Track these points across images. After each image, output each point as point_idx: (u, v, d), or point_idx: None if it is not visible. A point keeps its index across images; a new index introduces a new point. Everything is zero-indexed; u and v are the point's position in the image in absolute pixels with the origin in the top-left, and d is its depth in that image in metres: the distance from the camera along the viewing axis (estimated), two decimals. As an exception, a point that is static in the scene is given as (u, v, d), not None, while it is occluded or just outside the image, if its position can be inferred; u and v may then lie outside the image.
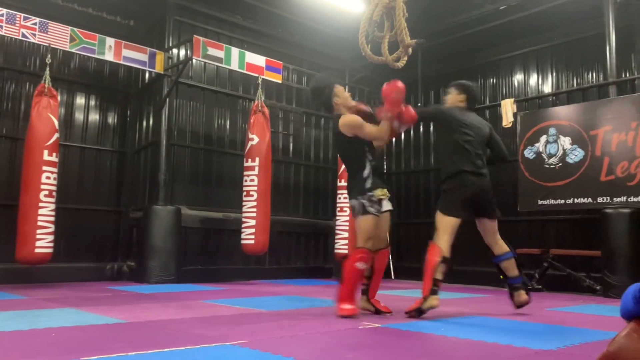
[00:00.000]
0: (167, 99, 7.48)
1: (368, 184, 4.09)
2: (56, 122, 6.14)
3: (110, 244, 7.88)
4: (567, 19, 7.86)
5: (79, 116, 7.80)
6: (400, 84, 4.13)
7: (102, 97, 8.04)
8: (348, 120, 4.18)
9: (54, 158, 6.06)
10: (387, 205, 4.22)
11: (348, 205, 4.24)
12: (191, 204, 7.81)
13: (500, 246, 4.46)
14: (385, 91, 4.12)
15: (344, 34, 8.65)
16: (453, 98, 4.63)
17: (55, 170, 6.08)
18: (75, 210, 7.56)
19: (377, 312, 4.21)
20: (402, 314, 4.13)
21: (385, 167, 10.18)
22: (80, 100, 7.83)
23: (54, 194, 6.05)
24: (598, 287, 6.64)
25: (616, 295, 5.98)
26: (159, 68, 7.34)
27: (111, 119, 8.15)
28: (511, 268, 4.43)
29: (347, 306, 3.94)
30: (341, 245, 8.43)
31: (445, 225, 4.23)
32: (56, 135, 6.12)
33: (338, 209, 8.60)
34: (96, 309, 4.19)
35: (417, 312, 4.02)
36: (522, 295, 4.42)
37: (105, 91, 8.06)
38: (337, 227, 8.54)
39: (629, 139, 6.56)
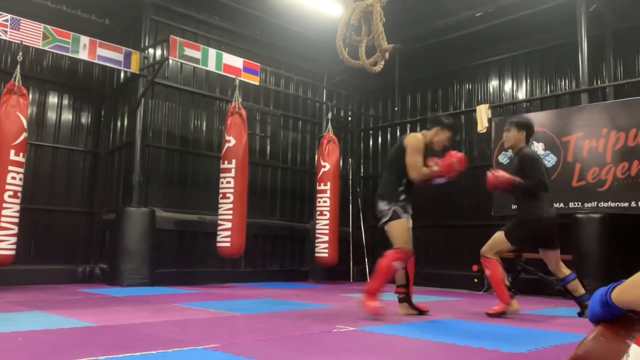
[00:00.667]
0: (143, 99, 7.38)
1: (402, 197, 4.43)
2: (25, 122, 6.02)
3: (82, 245, 7.74)
4: (541, 27, 8.01)
5: (51, 116, 7.65)
6: (464, 162, 4.50)
7: (75, 97, 7.90)
8: (415, 140, 4.51)
9: (20, 158, 5.94)
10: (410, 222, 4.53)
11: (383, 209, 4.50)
12: (166, 205, 7.72)
13: (562, 271, 4.67)
14: (453, 156, 4.47)
15: (323, 37, 8.68)
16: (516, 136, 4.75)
17: (21, 170, 5.95)
18: (47, 211, 7.40)
19: (421, 313, 4.53)
20: (381, 318, 4.14)
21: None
22: (52, 100, 7.68)
23: (19, 194, 5.93)
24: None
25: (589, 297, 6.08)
26: (134, 68, 7.24)
27: (85, 118, 8.02)
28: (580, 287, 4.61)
29: (375, 303, 4.17)
30: (322, 249, 8.42)
31: None
32: (24, 135, 5.99)
33: (318, 212, 8.59)
34: (66, 312, 4.10)
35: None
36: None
37: (79, 90, 7.93)
38: (318, 231, 8.51)
39: (600, 146, 6.70)
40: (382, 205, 4.47)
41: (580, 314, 4.57)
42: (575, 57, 7.26)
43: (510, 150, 7.51)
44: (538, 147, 7.28)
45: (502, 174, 4.57)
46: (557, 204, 7.01)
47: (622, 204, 6.45)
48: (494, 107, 8.33)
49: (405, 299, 4.57)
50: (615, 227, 6.49)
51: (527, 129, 4.74)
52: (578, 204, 6.79)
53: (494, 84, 8.86)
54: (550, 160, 7.14)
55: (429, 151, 4.62)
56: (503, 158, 7.62)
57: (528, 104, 8.28)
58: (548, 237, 4.61)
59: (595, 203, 6.64)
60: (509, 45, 8.58)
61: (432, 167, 4.48)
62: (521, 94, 8.50)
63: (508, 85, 8.68)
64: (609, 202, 6.55)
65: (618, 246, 6.48)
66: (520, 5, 7.61)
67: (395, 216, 4.39)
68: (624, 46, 7.52)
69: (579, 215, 6.64)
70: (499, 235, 4.62)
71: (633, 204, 6.37)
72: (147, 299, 5.39)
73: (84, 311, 4.20)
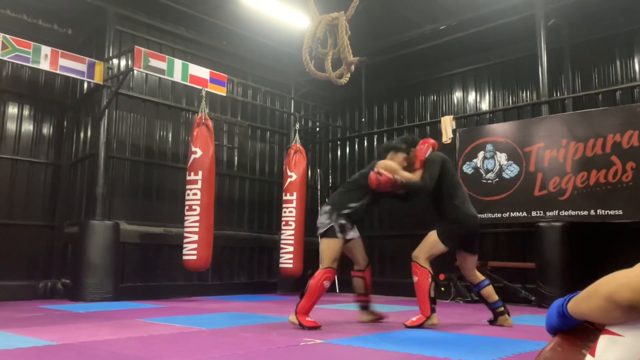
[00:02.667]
0: (107, 110, 7.25)
1: (345, 214, 4.51)
2: (-16, 133, 5.83)
3: (43, 260, 7.52)
4: (503, 41, 8.22)
5: (10, 127, 7.43)
6: (386, 184, 4.46)
7: (36, 108, 7.71)
8: (385, 163, 4.66)
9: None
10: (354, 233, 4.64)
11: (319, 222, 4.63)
12: (130, 218, 7.57)
13: (478, 276, 4.75)
14: (375, 175, 4.46)
15: (289, 49, 8.70)
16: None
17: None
18: (5, 225, 7.17)
19: (380, 318, 4.82)
20: (348, 329, 4.14)
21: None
22: (12, 110, 7.47)
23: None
24: (533, 298, 6.89)
25: (549, 306, 6.21)
26: (98, 78, 7.11)
27: (46, 130, 7.82)
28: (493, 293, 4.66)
29: (309, 319, 4.28)
30: (286, 260, 8.37)
31: None
32: (-16, 147, 5.80)
33: (283, 222, 8.54)
34: (25, 330, 3.97)
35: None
36: (507, 320, 4.60)
37: (40, 101, 7.74)
38: (283, 242, 8.46)
39: (560, 156, 6.89)
40: (323, 219, 4.53)
41: (492, 322, 4.67)
42: (535, 69, 7.47)
43: (474, 160, 7.71)
44: (501, 157, 7.44)
45: (384, 172, 4.53)
46: (520, 212, 7.18)
47: (582, 212, 6.63)
48: (458, 118, 8.47)
49: (366, 306, 4.82)
50: (576, 235, 6.67)
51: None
52: (540, 213, 6.96)
53: (458, 95, 9.04)
54: (512, 170, 7.30)
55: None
56: (467, 168, 7.75)
57: (491, 115, 8.47)
58: (474, 240, 4.71)
59: (557, 212, 6.81)
60: (472, 58, 8.78)
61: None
62: (484, 105, 8.69)
63: (472, 97, 8.87)
64: (570, 211, 6.73)
65: (579, 253, 6.65)
66: (482, 19, 7.80)
67: (331, 234, 4.43)
68: (582, 59, 7.78)
69: (541, 224, 6.80)
70: (433, 237, 4.62)
71: (592, 212, 6.56)
72: (111, 314, 5.26)
73: (44, 329, 4.07)
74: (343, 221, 4.47)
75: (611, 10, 7.33)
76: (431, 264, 4.58)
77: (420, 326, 4.39)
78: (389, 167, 4.60)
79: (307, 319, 4.26)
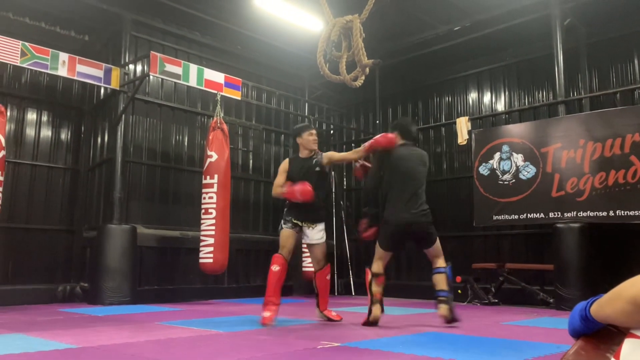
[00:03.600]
0: (123, 116, 7.32)
1: (285, 210, 5.09)
2: (3, 140, 5.93)
3: (62, 264, 7.62)
4: (518, 40, 8.16)
5: (30, 133, 7.55)
6: (306, 194, 4.80)
7: (54, 113, 7.82)
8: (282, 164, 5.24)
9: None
10: (316, 236, 5.00)
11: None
12: (147, 222, 7.64)
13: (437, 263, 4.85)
14: (296, 186, 4.86)
15: (303, 52, 8.73)
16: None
17: (0, 189, 5.85)
18: (25, 230, 7.29)
19: (329, 320, 5.02)
20: (366, 332, 4.13)
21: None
22: (31, 116, 7.59)
23: None
24: (551, 300, 6.81)
25: (568, 308, 6.15)
26: (114, 84, 7.20)
27: (64, 135, 7.93)
28: (440, 282, 4.72)
29: (265, 313, 4.80)
30: (309, 264, 8.36)
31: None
32: (2, 153, 5.90)
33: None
34: (46, 333, 4.02)
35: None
36: (443, 309, 4.63)
37: (58, 107, 7.85)
38: (304, 246, 8.46)
39: (577, 156, 6.81)
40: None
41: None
42: (551, 69, 7.40)
43: (490, 162, 7.66)
44: (518, 159, 7.38)
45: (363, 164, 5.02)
46: (537, 214, 7.11)
47: (600, 213, 6.55)
48: (474, 119, 8.43)
49: (317, 304, 5.15)
50: (594, 236, 6.59)
51: (399, 128, 4.99)
52: (558, 214, 6.88)
53: (473, 96, 8.99)
54: (529, 171, 7.24)
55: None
56: (483, 169, 7.70)
57: (507, 115, 8.41)
58: (415, 240, 4.78)
59: (575, 213, 6.74)
60: (486, 59, 8.73)
61: (282, 188, 5.00)
62: (500, 106, 8.63)
63: (487, 98, 8.81)
64: (588, 212, 6.65)
65: (597, 255, 6.57)
66: (497, 19, 7.75)
67: (280, 227, 5.07)
68: (599, 58, 7.69)
69: (558, 225, 6.73)
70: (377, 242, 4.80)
71: (611, 213, 6.47)
72: (129, 317, 5.31)
73: (64, 332, 4.12)
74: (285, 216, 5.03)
75: (627, 8, 7.23)
76: (385, 267, 4.76)
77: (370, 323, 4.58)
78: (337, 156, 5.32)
79: (263, 313, 4.78)
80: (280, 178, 5.10)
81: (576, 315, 1.30)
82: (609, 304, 1.14)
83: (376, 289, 4.64)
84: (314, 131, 5.27)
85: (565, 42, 7.29)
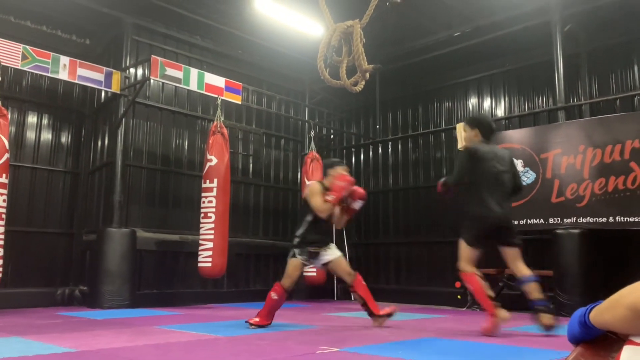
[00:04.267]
0: (124, 119, 7.34)
1: (306, 239, 4.94)
2: (6, 142, 5.94)
3: (61, 267, 7.61)
4: (518, 47, 8.17)
5: (30, 136, 7.56)
6: (347, 177, 4.97)
7: (55, 117, 7.84)
8: (310, 186, 5.10)
9: (3, 179, 5.84)
10: (333, 252, 5.02)
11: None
12: (147, 226, 7.64)
13: (520, 270, 4.66)
14: (341, 180, 4.92)
15: (304, 57, 8.75)
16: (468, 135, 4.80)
17: (4, 192, 5.85)
18: (25, 233, 7.28)
19: (389, 316, 5.01)
20: (365, 337, 4.12)
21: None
22: (32, 120, 7.60)
23: (4, 216, 5.82)
24: (551, 306, 6.79)
25: (568, 314, 6.13)
26: (115, 88, 7.21)
27: (65, 138, 7.94)
28: (534, 291, 4.54)
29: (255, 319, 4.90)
30: (310, 269, 8.33)
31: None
32: (6, 156, 5.91)
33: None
34: (44, 337, 4.02)
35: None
36: (546, 318, 4.44)
37: (58, 110, 7.86)
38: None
39: (577, 162, 6.81)
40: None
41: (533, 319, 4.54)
42: (551, 75, 7.41)
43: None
44: (518, 164, 7.37)
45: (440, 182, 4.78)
46: (537, 219, 7.11)
47: (600, 219, 6.55)
48: (474, 125, 8.41)
49: (370, 313, 5.06)
50: (594, 242, 6.58)
51: (478, 125, 4.75)
52: (557, 220, 6.88)
53: (473, 102, 9.00)
54: (529, 176, 7.24)
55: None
56: (483, 175, 7.68)
57: (507, 121, 8.41)
58: (502, 235, 4.58)
59: (574, 219, 6.73)
60: (487, 64, 8.74)
61: (329, 197, 4.90)
62: (500, 112, 8.63)
63: (487, 103, 8.82)
64: (588, 218, 6.65)
65: (597, 261, 6.56)
66: (497, 25, 7.77)
67: (292, 255, 4.94)
68: (598, 65, 7.70)
69: (558, 231, 6.73)
70: (460, 242, 4.65)
71: (611, 219, 6.47)
72: (128, 321, 5.31)
73: (63, 335, 4.12)
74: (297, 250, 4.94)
75: (627, 15, 7.25)
76: (476, 266, 4.59)
77: (493, 329, 4.37)
78: (310, 189, 5.06)
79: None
80: (321, 198, 4.97)
81: (575, 322, 1.30)
82: (608, 311, 1.14)
83: (487, 292, 4.51)
84: (346, 171, 5.24)
85: (565, 48, 7.30)
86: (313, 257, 4.93)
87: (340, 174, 4.96)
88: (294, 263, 4.88)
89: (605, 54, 7.65)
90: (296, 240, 4.96)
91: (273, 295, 4.90)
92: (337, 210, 5.03)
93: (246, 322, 4.90)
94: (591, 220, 6.61)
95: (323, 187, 5.05)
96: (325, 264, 5.03)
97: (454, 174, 4.70)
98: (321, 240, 4.99)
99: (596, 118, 6.99)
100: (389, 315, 4.98)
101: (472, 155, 4.59)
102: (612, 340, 1.21)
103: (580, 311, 1.28)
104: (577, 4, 7.17)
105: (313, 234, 4.93)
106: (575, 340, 1.30)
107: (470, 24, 8.01)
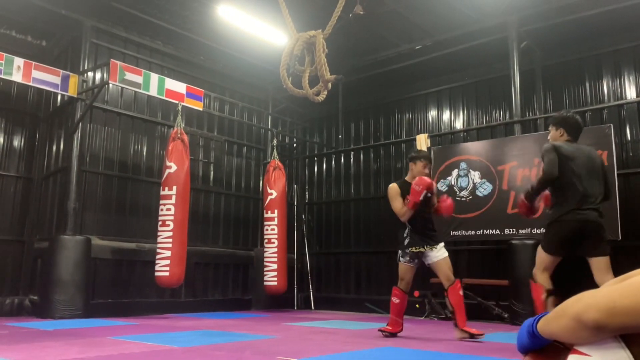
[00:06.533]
0: (80, 124, 7.15)
1: (406, 242, 5.01)
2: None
3: (10, 276, 7.33)
4: (477, 61, 8.39)
5: (-20, 139, 7.28)
6: (425, 180, 4.87)
7: (7, 120, 7.57)
8: (389, 190, 5.15)
9: (-52, 184, 5.60)
10: (439, 253, 4.96)
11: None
12: (103, 233, 7.44)
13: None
14: (414, 182, 4.88)
15: (267, 65, 8.74)
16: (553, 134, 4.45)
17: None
18: (-28, 240, 6.98)
19: (472, 336, 4.81)
20: (324, 347, 4.10)
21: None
22: (-18, 122, 7.32)
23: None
24: (506, 315, 6.95)
25: (522, 323, 6.28)
26: (72, 91, 7.03)
27: (17, 142, 7.68)
28: None
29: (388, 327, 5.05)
30: (270, 277, 8.29)
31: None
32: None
33: (266, 240, 8.50)
34: (-11, 349, 3.84)
35: None
36: None
37: (11, 113, 7.60)
38: (266, 259, 8.40)
39: (532, 175, 7.01)
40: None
41: None
42: (508, 90, 7.63)
43: (448, 178, 7.80)
44: (475, 176, 7.55)
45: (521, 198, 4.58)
46: (493, 230, 7.27)
47: (553, 230, 6.73)
48: (433, 136, 8.59)
49: (455, 324, 4.94)
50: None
51: (564, 124, 4.37)
52: (513, 231, 7.05)
53: (433, 114, 9.17)
54: (486, 188, 7.41)
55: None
56: (442, 186, 7.84)
57: (465, 133, 8.61)
58: (586, 242, 4.14)
59: (529, 230, 6.91)
60: (446, 77, 8.94)
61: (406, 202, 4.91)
62: (459, 124, 8.83)
63: (446, 116, 9.00)
64: (542, 229, 6.81)
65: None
66: (457, 39, 7.95)
67: (399, 259, 5.09)
68: (553, 81, 7.98)
69: (513, 242, 6.89)
70: (538, 248, 4.37)
71: (563, 231, 6.66)
72: (80, 332, 5.14)
73: (9, 347, 3.95)
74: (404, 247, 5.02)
75: (581, 33, 7.55)
76: (550, 277, 4.24)
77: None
78: (389, 192, 5.14)
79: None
80: (399, 201, 4.99)
81: (524, 332, 1.32)
82: (554, 321, 1.17)
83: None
84: (429, 167, 5.20)
85: (522, 64, 7.54)
86: (416, 257, 4.96)
87: (418, 177, 4.90)
88: (401, 267, 5.03)
89: (560, 71, 7.94)
90: (400, 243, 5.04)
91: (394, 300, 5.01)
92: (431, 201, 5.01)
93: (379, 330, 5.09)
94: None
95: (403, 183, 5.09)
96: (430, 263, 4.98)
97: (542, 174, 4.25)
98: (421, 239, 4.94)
99: (550, 132, 7.21)
100: (475, 335, 4.78)
101: (557, 153, 4.15)
102: (559, 349, 1.24)
103: (529, 321, 1.31)
104: (533, 22, 7.41)
105: (412, 234, 4.96)
106: (524, 350, 1.32)
107: (431, 38, 8.18)
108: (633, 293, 1.04)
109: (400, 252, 5.05)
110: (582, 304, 1.08)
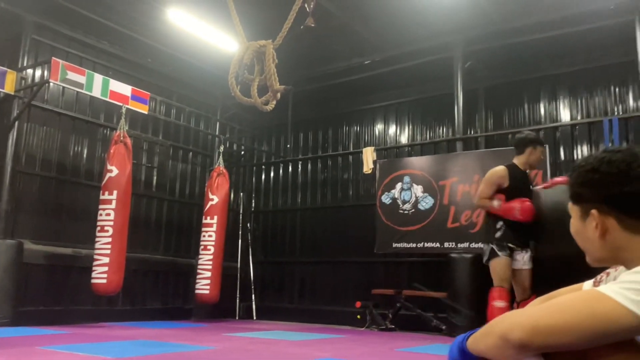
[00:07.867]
0: (17, 122, 6.84)
1: (498, 234, 4.47)
2: None
3: None
4: (424, 78, 8.63)
5: None
6: (528, 212, 4.39)
7: (-64, 114, 7.13)
8: (490, 173, 4.65)
9: None
10: (527, 260, 4.51)
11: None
12: (37, 237, 7.11)
13: None
14: (517, 203, 4.41)
15: (217, 70, 8.64)
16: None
17: None
18: None
19: None
20: (258, 359, 4.07)
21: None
22: None
23: None
24: (444, 327, 7.12)
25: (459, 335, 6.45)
26: (9, 88, 6.71)
27: (-54, 139, 7.24)
28: None
29: None
30: (203, 286, 8.14)
31: None
32: None
33: (202, 246, 8.34)
34: None
35: None
36: None
37: (-60, 108, 7.17)
38: (200, 267, 8.25)
39: (472, 191, 7.24)
40: (484, 247, 4.67)
41: None
42: (452, 107, 7.88)
43: (392, 191, 7.95)
44: (418, 190, 7.73)
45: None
46: (434, 243, 7.46)
47: (490, 245, 6.97)
48: (379, 150, 8.74)
49: None
50: (485, 267, 6.98)
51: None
52: (452, 244, 7.26)
53: (379, 127, 9.34)
54: (428, 202, 7.60)
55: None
56: (386, 198, 7.98)
57: (409, 148, 8.81)
58: None
59: (468, 244, 7.14)
60: (394, 93, 9.13)
61: (492, 201, 4.52)
62: (404, 139, 9.02)
63: (392, 130, 9.19)
64: (480, 244, 7.05)
65: (487, 285, 6.94)
66: (405, 56, 8.15)
67: (493, 255, 4.50)
68: (494, 101, 8.31)
69: (453, 255, 7.08)
70: None
71: (500, 246, 6.91)
72: (7, 341, 4.88)
73: None
74: (498, 242, 4.49)
75: (522, 57, 7.90)
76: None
77: None
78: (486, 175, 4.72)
79: None
80: (491, 189, 4.49)
81: (455, 348, 1.36)
82: (482, 339, 1.20)
83: None
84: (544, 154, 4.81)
85: (465, 83, 7.81)
86: (511, 254, 4.46)
87: (527, 209, 4.38)
88: (498, 263, 4.46)
89: (501, 91, 8.27)
90: (490, 234, 4.54)
91: (499, 303, 4.45)
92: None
93: None
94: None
95: (513, 169, 4.55)
96: (517, 269, 4.53)
97: None
98: (515, 237, 4.46)
99: (490, 150, 7.50)
100: None
101: None
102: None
103: (460, 338, 1.34)
104: (477, 42, 7.70)
105: (506, 229, 4.45)
106: (455, 365, 1.36)
107: (380, 53, 8.34)
108: (554, 313, 1.10)
109: (494, 246, 4.46)
110: (508, 323, 1.12)
